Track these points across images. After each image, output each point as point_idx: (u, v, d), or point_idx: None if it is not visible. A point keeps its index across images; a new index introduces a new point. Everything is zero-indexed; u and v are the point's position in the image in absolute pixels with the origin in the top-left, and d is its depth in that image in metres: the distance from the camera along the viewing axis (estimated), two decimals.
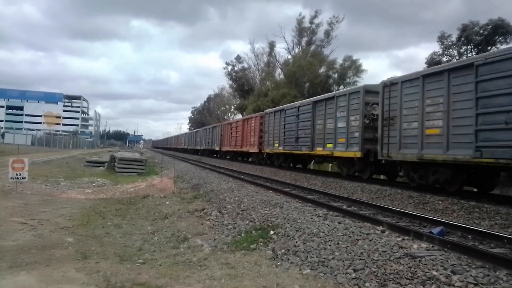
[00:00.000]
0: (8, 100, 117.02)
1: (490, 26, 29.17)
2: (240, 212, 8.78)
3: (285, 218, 7.54)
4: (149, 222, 8.68)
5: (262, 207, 8.81)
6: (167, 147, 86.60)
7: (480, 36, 29.76)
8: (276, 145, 21.25)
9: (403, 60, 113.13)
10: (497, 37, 29.36)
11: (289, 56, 49.46)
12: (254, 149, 25.41)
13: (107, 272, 4.98)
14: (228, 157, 33.79)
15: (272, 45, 51.76)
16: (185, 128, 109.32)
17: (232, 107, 68.43)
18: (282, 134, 20.40)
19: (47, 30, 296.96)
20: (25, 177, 12.01)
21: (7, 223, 7.69)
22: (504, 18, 29.03)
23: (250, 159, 30.62)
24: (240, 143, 28.23)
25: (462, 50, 31.03)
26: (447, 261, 4.69)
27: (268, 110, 23.98)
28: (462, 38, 30.55)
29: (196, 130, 50.49)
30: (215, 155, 39.72)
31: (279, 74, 51.85)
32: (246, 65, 56.90)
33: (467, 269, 4.41)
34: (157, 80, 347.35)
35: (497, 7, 67.15)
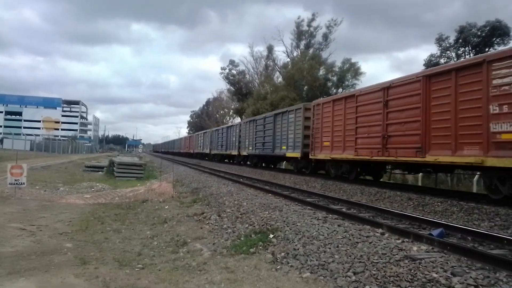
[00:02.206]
0: (7, 105, 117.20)
1: (488, 28, 29.27)
2: (240, 215, 8.77)
3: (284, 221, 7.52)
4: (148, 226, 8.65)
5: (261, 211, 8.79)
6: (173, 151, 71.99)
7: (478, 37, 29.85)
8: None
9: (403, 62, 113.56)
10: (494, 39, 29.46)
11: (288, 59, 49.60)
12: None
13: (106, 278, 4.97)
14: (345, 173, 15.70)
15: (270, 49, 51.91)
16: (184, 132, 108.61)
17: (231, 111, 68.54)
18: None
19: (46, 34, 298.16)
20: (23, 183, 12.00)
21: (6, 229, 7.67)
22: (502, 20, 29.15)
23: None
24: (424, 140, 10.59)
25: (460, 52, 31.11)
26: (447, 263, 4.68)
27: None
28: (460, 40, 30.63)
29: (230, 125, 35.04)
30: (269, 167, 25.57)
31: (277, 77, 51.97)
32: (244, 69, 57.05)
33: (467, 271, 4.40)
34: (156, 84, 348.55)
35: (498, 9, 67.36)
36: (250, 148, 26.42)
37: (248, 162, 28.90)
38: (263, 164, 26.31)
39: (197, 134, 50.43)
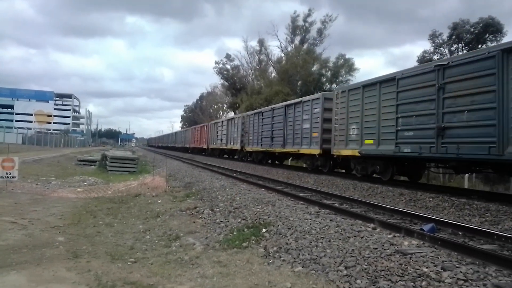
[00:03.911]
0: None
1: (481, 25, 29.41)
2: (233, 210, 8.78)
3: (277, 216, 7.55)
4: (140, 220, 8.64)
5: (254, 205, 8.82)
6: (174, 146, 59.41)
7: (471, 34, 30.00)
8: None
9: (398, 57, 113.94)
10: (487, 35, 29.61)
11: (282, 54, 49.54)
12: None
13: (98, 271, 4.96)
14: None
15: (261, 43, 51.76)
16: (177, 126, 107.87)
17: (225, 105, 68.39)
18: None
19: (39, 26, 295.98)
20: (15, 176, 11.91)
21: None
22: (494, 17, 29.31)
23: None
24: None
25: (453, 49, 31.25)
26: (438, 257, 4.73)
27: None
28: (453, 37, 30.76)
29: (296, 101, 19.31)
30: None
31: (271, 72, 51.89)
32: (239, 63, 56.85)
33: (457, 265, 4.45)
34: (150, 77, 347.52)
35: (493, 5, 67.48)
36: (379, 143, 12.48)
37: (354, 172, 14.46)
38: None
39: (215, 123, 36.10)
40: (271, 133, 21.61)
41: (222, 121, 33.86)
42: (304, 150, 17.48)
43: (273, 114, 21.56)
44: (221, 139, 32.47)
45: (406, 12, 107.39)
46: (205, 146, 38.62)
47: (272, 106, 23.01)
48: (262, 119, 23.25)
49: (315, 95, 17.59)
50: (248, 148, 25.45)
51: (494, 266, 4.41)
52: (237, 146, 28.24)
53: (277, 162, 24.01)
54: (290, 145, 18.95)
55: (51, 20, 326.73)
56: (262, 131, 23.13)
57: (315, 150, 16.40)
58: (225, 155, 33.92)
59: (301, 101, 18.21)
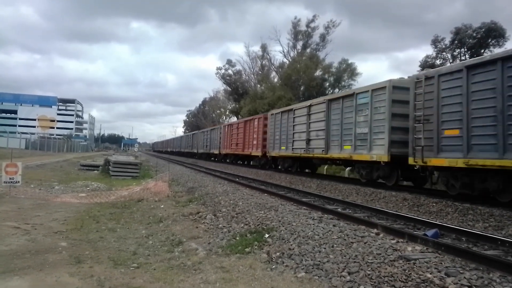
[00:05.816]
0: (2, 103, 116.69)
1: (483, 30, 29.39)
2: (235, 215, 8.77)
3: (280, 221, 7.53)
4: (143, 226, 8.63)
5: (257, 210, 8.80)
6: (191, 152, 47.15)
7: (473, 39, 29.97)
8: None
9: (402, 62, 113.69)
10: (490, 40, 29.57)
11: (284, 60, 49.61)
12: None
13: (101, 277, 4.95)
14: None
15: (264, 48, 51.84)
16: (180, 131, 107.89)
17: (227, 111, 68.46)
18: None
19: (44, 32, 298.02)
20: (18, 181, 11.94)
21: (0, 228, 7.63)
22: (497, 21, 29.26)
23: None
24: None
25: (455, 53, 31.23)
26: (441, 263, 4.71)
27: None
28: (456, 41, 30.74)
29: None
30: None
31: (273, 77, 51.96)
32: (241, 69, 56.92)
33: (461, 271, 4.42)
34: (154, 83, 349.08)
35: (499, 9, 67.39)
36: None
37: None
38: None
39: (284, 112, 20.58)
40: None
41: (311, 105, 17.47)
42: None
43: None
44: (308, 140, 17.28)
45: (411, 17, 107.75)
46: (257, 153, 24.35)
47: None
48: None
49: None
50: (442, 161, 10.08)
51: (499, 272, 4.39)
52: (378, 154, 12.47)
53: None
54: None
55: (56, 25, 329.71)
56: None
57: None
58: (305, 169, 20.74)
59: None
